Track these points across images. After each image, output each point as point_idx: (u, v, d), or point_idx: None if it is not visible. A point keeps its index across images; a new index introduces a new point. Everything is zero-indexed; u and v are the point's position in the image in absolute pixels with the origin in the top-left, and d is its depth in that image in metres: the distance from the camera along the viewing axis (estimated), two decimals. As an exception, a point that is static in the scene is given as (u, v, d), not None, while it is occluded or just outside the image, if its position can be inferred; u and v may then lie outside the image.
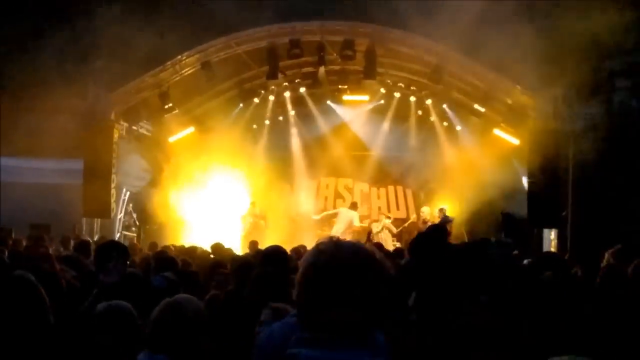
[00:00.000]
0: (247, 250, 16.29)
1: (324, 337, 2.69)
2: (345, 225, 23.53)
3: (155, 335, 4.21)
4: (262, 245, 13.86)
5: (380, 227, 24.04)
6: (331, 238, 2.87)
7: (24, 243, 14.81)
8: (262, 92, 25.15)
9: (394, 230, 24.19)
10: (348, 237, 19.42)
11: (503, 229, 21.06)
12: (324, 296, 2.69)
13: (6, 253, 10.88)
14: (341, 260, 2.72)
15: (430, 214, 23.50)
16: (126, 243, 20.12)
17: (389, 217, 24.77)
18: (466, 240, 22.16)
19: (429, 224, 22.92)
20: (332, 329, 2.69)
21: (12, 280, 4.20)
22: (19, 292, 4.07)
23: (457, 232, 22.57)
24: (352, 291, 2.68)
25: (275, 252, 7.22)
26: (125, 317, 4.92)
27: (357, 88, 24.68)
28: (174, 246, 16.05)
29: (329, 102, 25.85)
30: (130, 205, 23.66)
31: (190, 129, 24.32)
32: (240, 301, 6.20)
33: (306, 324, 2.75)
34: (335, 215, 24.53)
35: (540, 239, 20.98)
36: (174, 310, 4.30)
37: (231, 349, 5.17)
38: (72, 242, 15.05)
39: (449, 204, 23.73)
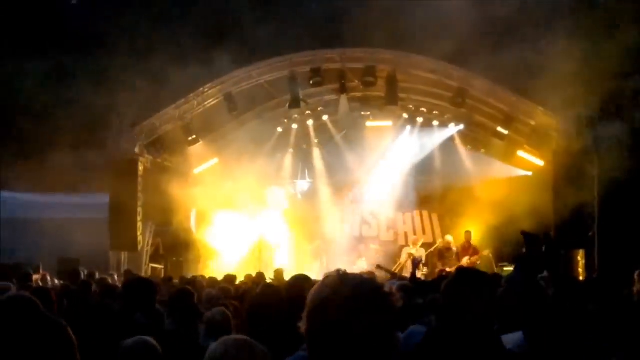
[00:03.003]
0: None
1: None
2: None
3: None
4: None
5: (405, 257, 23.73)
6: (338, 271, 2.86)
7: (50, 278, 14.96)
8: (285, 121, 25.19)
9: (423, 259, 23.79)
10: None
11: (526, 249, 20.76)
12: (328, 331, 2.68)
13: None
14: (344, 294, 2.71)
15: (453, 242, 23.39)
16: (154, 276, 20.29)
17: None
18: (493, 264, 22.08)
19: (453, 249, 22.92)
20: None
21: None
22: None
23: (484, 257, 22.48)
24: (356, 325, 2.67)
25: (298, 279, 7.18)
26: (153, 353, 4.94)
27: (379, 114, 24.71)
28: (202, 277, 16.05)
29: (352, 128, 25.83)
30: (157, 237, 23.72)
31: (215, 160, 24.38)
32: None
33: (314, 358, 2.74)
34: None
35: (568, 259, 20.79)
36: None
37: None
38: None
39: (474, 227, 23.61)
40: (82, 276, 14.90)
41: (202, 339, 7.06)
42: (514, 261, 20.76)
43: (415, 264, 17.81)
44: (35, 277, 14.05)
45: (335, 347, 2.66)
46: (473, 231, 23.30)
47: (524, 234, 5.40)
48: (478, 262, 22.27)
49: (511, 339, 5.55)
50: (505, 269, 20.36)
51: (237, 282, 14.99)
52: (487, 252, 22.61)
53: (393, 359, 2.79)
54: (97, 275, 15.50)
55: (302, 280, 7.16)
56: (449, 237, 23.68)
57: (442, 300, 4.94)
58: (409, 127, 25.40)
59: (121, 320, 7.05)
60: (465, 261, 22.20)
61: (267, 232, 23.96)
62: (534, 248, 5.28)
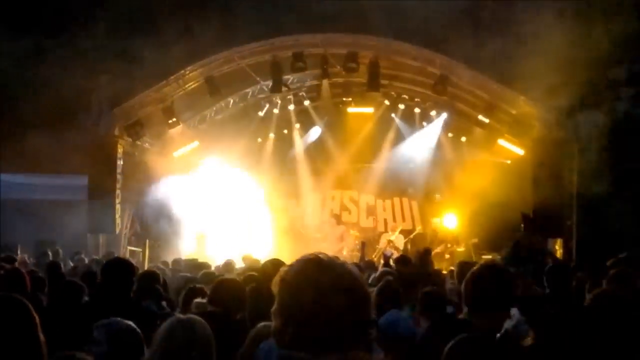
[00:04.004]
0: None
1: (299, 354, 2.66)
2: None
3: None
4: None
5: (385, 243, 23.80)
6: (309, 254, 2.83)
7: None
8: (267, 105, 25.12)
9: (400, 247, 23.83)
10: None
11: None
12: (294, 313, 2.66)
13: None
14: (307, 277, 2.68)
15: (439, 225, 23.54)
16: (132, 259, 20.20)
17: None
18: (472, 251, 22.17)
19: (438, 234, 23.06)
20: (307, 347, 2.65)
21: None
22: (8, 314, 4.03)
23: (465, 244, 22.57)
24: (321, 308, 2.64)
25: (272, 265, 7.18)
26: (127, 335, 4.90)
27: (361, 100, 24.71)
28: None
29: (333, 114, 25.82)
30: (136, 220, 23.62)
31: (195, 144, 24.29)
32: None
33: (283, 341, 2.72)
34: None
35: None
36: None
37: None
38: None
39: (455, 214, 23.73)
40: (51, 257, 14.96)
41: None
42: (492, 250, 20.97)
43: (387, 257, 17.79)
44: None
45: (309, 330, 2.64)
46: (455, 219, 23.41)
47: (524, 215, 5.48)
48: (460, 249, 22.40)
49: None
50: (483, 257, 20.42)
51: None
52: (471, 242, 22.71)
53: (370, 342, 2.78)
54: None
55: (276, 266, 7.16)
56: (435, 220, 23.85)
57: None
58: (390, 114, 25.42)
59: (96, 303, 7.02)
60: (441, 249, 22.31)
61: (247, 217, 23.87)
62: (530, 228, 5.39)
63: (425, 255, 13.41)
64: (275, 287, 2.75)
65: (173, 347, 4.22)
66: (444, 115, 24.51)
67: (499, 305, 4.73)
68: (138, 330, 4.83)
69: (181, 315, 4.54)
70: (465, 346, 3.60)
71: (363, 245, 18.89)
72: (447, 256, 22.54)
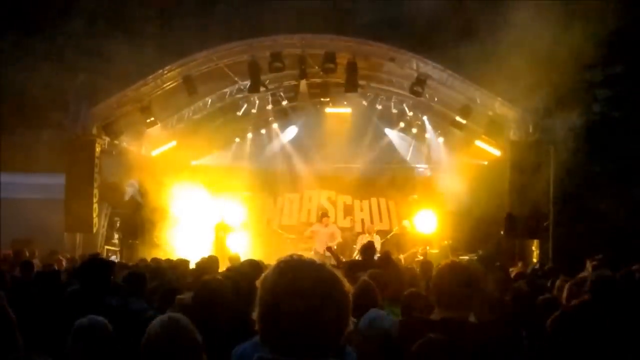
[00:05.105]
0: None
1: (283, 358, 2.68)
2: (324, 243, 23.21)
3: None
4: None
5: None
6: (292, 257, 2.85)
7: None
8: (245, 105, 25.12)
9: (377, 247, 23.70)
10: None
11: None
12: (282, 317, 2.68)
13: None
14: (301, 281, 2.70)
15: (410, 226, 23.54)
16: (112, 258, 20.18)
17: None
18: (449, 252, 22.23)
19: (407, 236, 23.07)
20: (292, 351, 2.68)
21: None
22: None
23: (438, 245, 22.62)
24: (312, 315, 2.67)
25: (250, 266, 7.21)
26: (103, 333, 4.93)
27: (339, 101, 24.78)
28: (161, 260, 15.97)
29: (311, 114, 25.88)
30: (114, 219, 23.55)
31: (172, 143, 24.25)
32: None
33: (267, 344, 2.74)
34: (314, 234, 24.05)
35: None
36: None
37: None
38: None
39: (432, 214, 23.80)
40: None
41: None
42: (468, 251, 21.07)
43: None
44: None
45: (289, 333, 2.66)
46: (435, 219, 23.48)
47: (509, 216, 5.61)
48: (433, 251, 22.43)
49: None
50: (460, 257, 20.49)
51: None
52: (445, 243, 22.76)
53: (351, 342, 2.82)
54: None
55: (254, 267, 7.21)
56: (405, 223, 23.83)
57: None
58: (368, 114, 25.51)
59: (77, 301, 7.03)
60: (413, 251, 22.30)
61: (225, 216, 23.82)
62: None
63: (385, 257, 13.28)
64: (265, 293, 2.76)
65: (158, 347, 4.24)
66: (423, 117, 24.64)
67: (462, 302, 4.81)
68: (110, 326, 4.88)
69: (170, 314, 4.57)
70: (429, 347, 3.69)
71: (329, 249, 18.70)
72: (419, 257, 22.54)
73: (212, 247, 21.85)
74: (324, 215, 23.56)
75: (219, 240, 22.39)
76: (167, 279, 10.81)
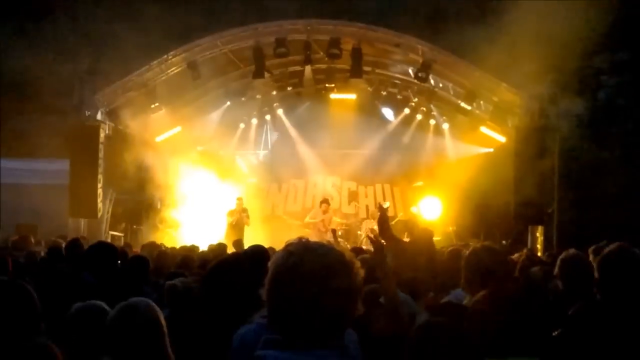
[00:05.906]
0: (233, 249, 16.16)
1: (291, 339, 2.68)
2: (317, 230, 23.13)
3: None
4: (248, 243, 13.79)
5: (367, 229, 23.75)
6: (300, 239, 2.85)
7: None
8: (249, 91, 25.07)
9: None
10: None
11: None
12: (292, 300, 2.68)
13: None
14: (311, 265, 2.70)
15: (418, 213, 23.50)
16: (116, 243, 20.15)
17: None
18: (453, 239, 22.21)
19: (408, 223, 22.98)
20: (300, 332, 2.68)
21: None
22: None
23: (444, 230, 22.62)
24: (320, 295, 2.66)
25: (256, 252, 7.17)
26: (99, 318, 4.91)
27: (344, 86, 24.72)
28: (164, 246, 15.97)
29: (316, 100, 25.83)
30: (118, 205, 23.55)
31: (177, 129, 24.18)
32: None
33: (275, 326, 2.74)
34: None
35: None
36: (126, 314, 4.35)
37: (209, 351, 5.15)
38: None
39: (437, 201, 23.76)
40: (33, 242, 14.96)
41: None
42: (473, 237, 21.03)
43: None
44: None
45: (298, 314, 2.66)
46: (440, 205, 23.45)
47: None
48: (437, 238, 22.39)
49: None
50: (470, 243, 20.44)
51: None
52: (450, 229, 22.76)
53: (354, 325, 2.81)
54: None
55: (261, 249, 7.18)
56: (413, 209, 23.83)
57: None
58: (373, 100, 25.48)
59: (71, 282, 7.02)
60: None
61: (231, 203, 23.81)
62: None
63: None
64: (275, 274, 2.75)
65: (120, 331, 4.29)
66: (428, 103, 24.59)
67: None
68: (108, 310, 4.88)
69: (131, 300, 4.57)
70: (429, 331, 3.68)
71: (334, 232, 18.69)
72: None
73: (224, 234, 21.84)
74: (323, 202, 23.61)
75: (231, 226, 22.40)
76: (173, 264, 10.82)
